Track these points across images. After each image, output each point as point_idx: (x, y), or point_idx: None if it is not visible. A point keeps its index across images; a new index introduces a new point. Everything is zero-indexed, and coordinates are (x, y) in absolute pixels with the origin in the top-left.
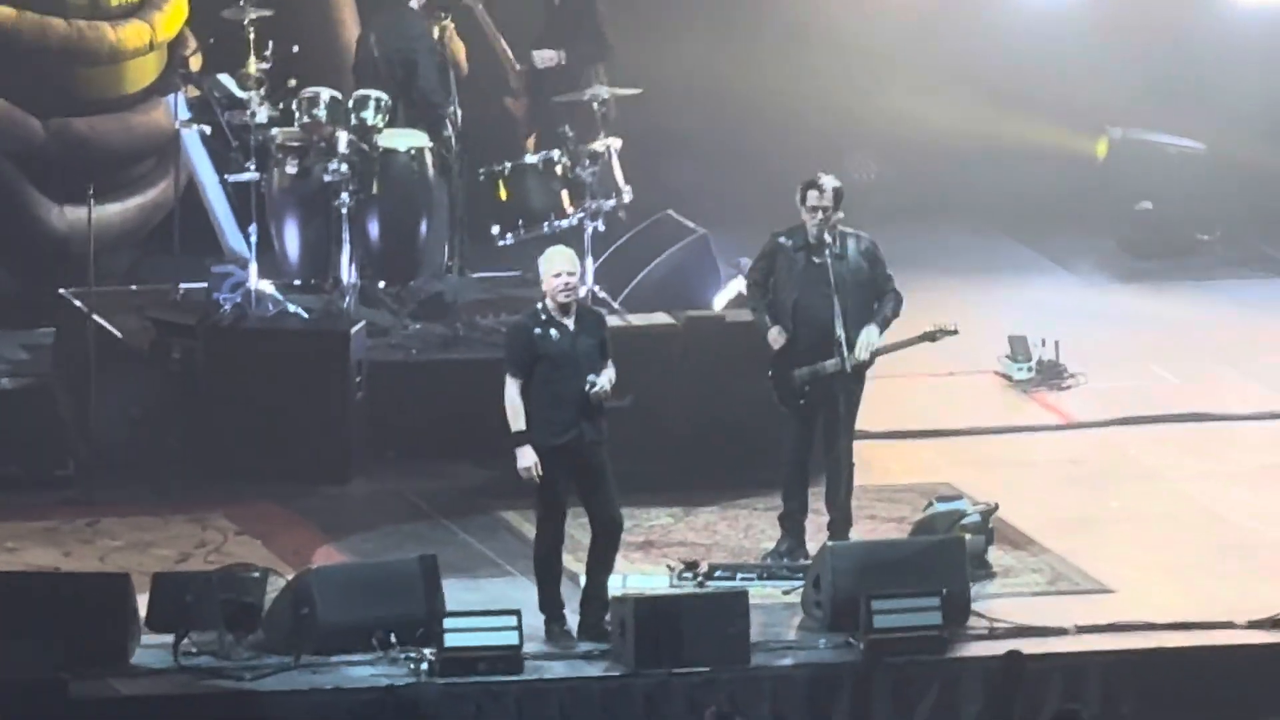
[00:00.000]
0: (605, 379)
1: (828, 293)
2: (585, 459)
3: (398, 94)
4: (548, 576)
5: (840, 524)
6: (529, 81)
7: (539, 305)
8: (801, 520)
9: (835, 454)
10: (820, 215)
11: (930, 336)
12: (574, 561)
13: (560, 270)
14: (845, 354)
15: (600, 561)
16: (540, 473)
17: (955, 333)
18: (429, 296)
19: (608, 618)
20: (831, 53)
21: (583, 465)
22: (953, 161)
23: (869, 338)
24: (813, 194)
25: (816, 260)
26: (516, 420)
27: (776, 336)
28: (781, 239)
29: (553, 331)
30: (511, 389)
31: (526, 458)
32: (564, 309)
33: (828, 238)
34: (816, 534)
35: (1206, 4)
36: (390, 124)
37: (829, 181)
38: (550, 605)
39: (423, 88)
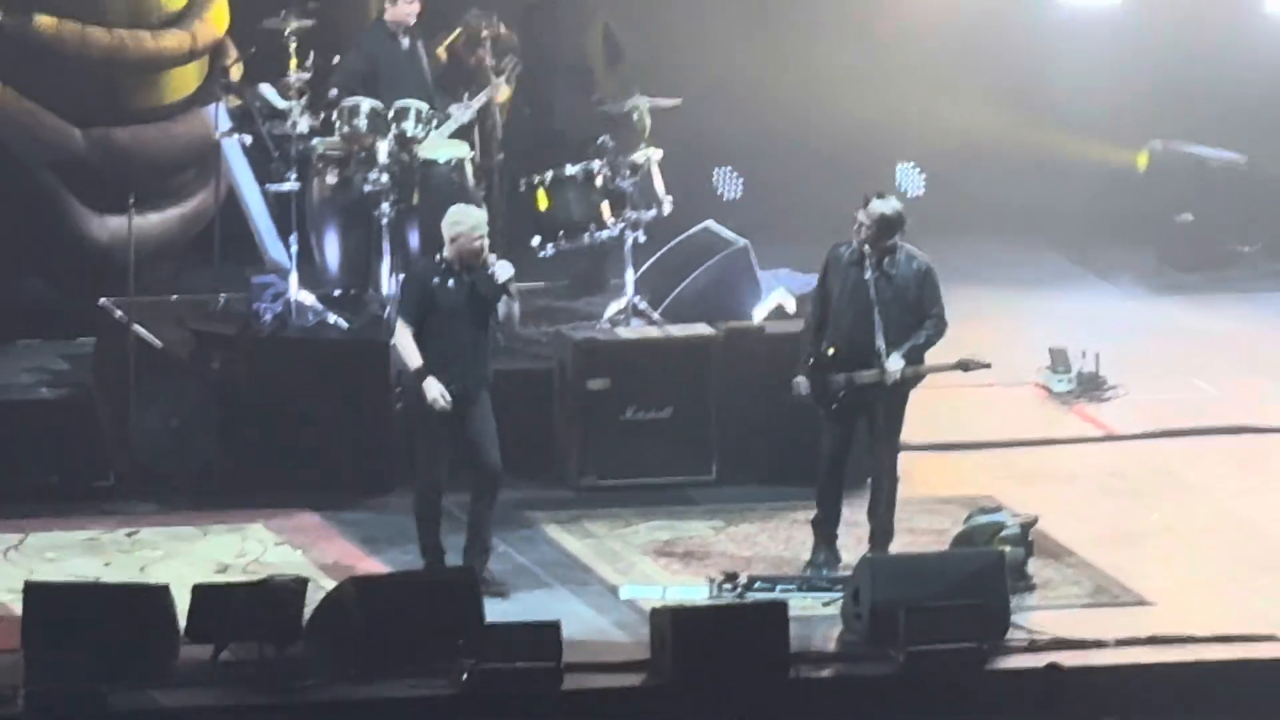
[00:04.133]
0: (505, 266)
1: (869, 309)
2: (470, 407)
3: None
4: (428, 519)
5: (881, 536)
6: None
7: (439, 257)
8: (834, 527)
9: (877, 467)
10: (858, 228)
11: (963, 366)
12: (614, 574)
13: (480, 233)
14: (883, 368)
15: (480, 513)
16: (448, 400)
17: (988, 366)
18: None
19: (491, 566)
20: (874, 65)
21: (468, 414)
22: (995, 173)
23: (894, 364)
24: (860, 212)
25: (863, 276)
26: (413, 359)
27: (800, 384)
28: (840, 249)
29: (450, 283)
30: (402, 333)
31: (433, 389)
32: (465, 264)
33: (868, 251)
34: (857, 546)
35: (1249, 16)
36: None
37: (876, 206)
38: (432, 550)
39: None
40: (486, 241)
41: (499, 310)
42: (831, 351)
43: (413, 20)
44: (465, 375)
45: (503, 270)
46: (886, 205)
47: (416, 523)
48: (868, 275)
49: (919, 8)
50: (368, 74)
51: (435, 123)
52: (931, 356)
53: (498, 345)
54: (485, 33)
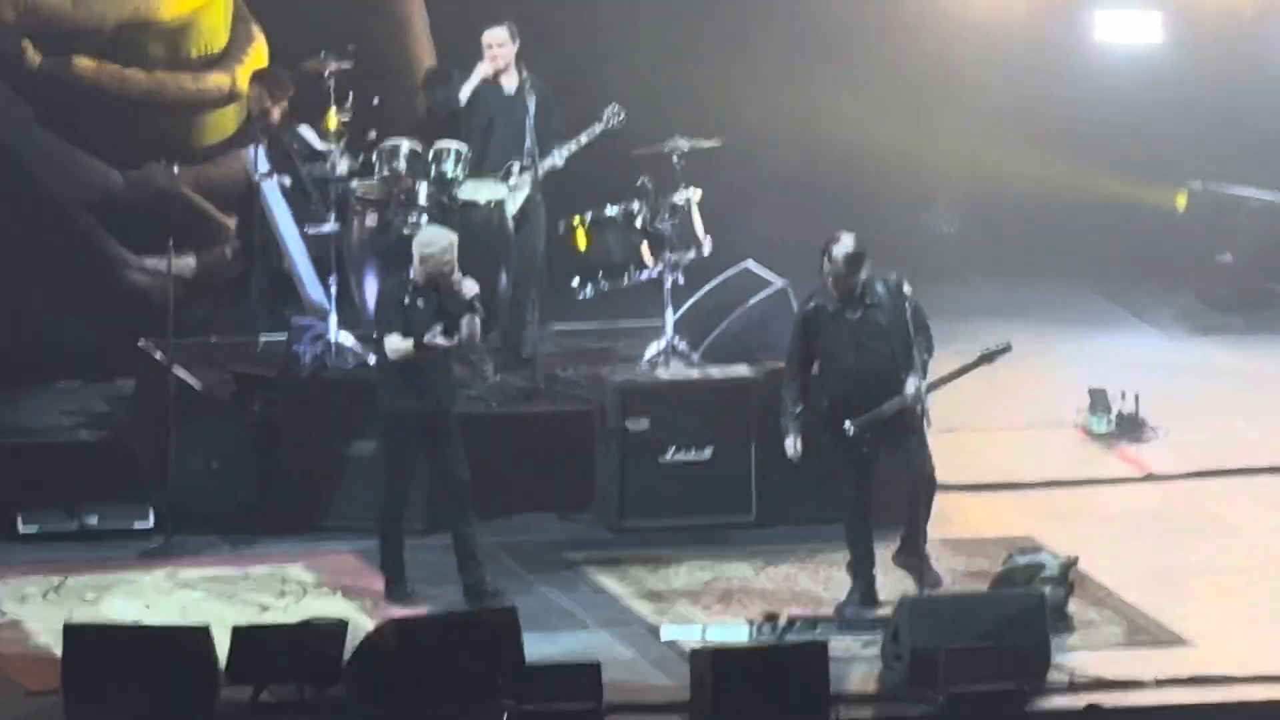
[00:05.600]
0: (470, 282)
1: (870, 344)
2: (437, 424)
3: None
4: (392, 537)
5: (915, 538)
6: None
7: (407, 277)
8: (869, 568)
9: (915, 480)
10: (831, 280)
11: (987, 358)
12: (654, 615)
13: (450, 255)
14: (907, 391)
15: (461, 529)
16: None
17: (1009, 349)
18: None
19: (488, 576)
20: (912, 105)
21: (435, 429)
22: (1033, 214)
23: (913, 385)
24: (824, 262)
25: (852, 316)
26: (407, 343)
27: (791, 448)
28: (812, 303)
29: (420, 302)
30: (394, 341)
31: (436, 338)
32: (434, 284)
33: (855, 294)
34: (895, 589)
35: None
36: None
37: (839, 249)
38: (393, 565)
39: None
40: (455, 263)
41: (461, 328)
42: (847, 426)
43: (500, 64)
44: (435, 392)
45: (468, 287)
46: (846, 244)
47: (380, 539)
48: (859, 313)
49: (957, 47)
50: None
51: (519, 170)
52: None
53: (536, 388)
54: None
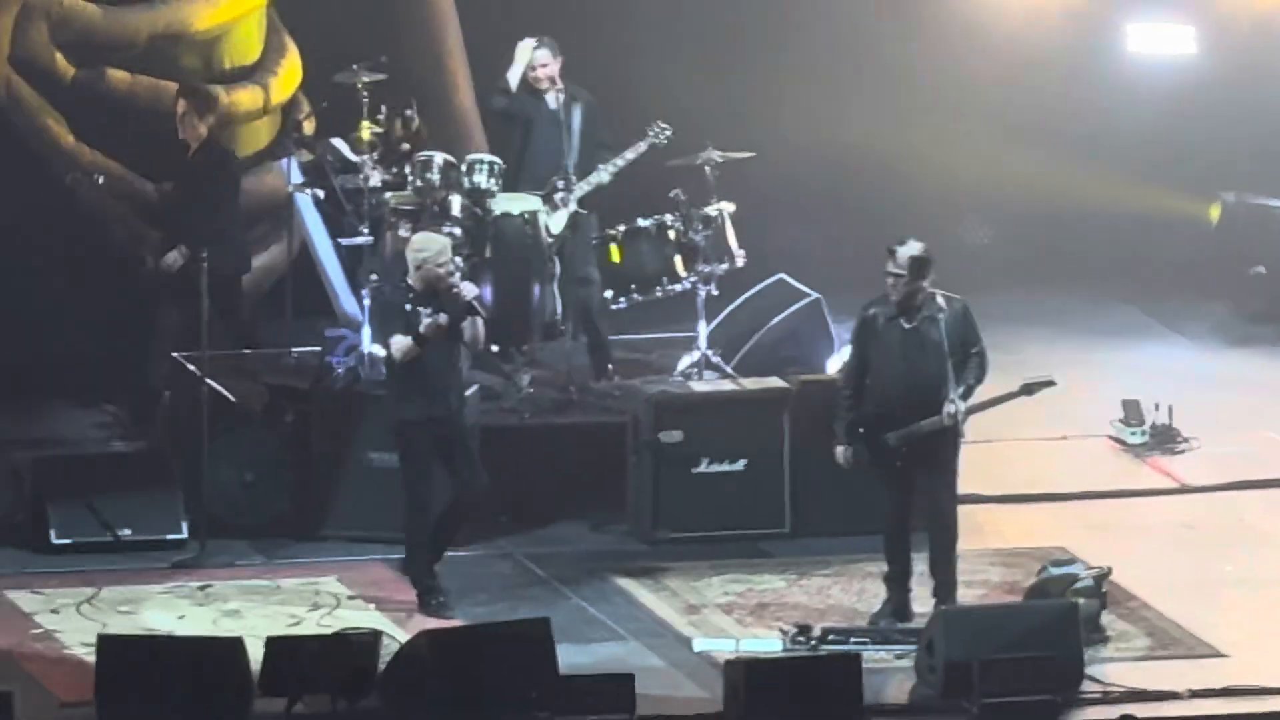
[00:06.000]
0: (469, 285)
1: (919, 356)
2: (449, 428)
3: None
4: (420, 547)
5: (945, 589)
6: None
7: (405, 284)
8: (905, 581)
9: (938, 519)
10: (893, 281)
11: (1027, 390)
12: (688, 626)
13: (444, 259)
14: (948, 412)
15: (453, 525)
16: (445, 319)
17: (1052, 383)
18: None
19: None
20: (947, 116)
21: (447, 434)
22: (1067, 225)
23: (954, 407)
24: (889, 261)
25: (905, 325)
26: (407, 340)
27: (842, 455)
28: (872, 311)
29: (421, 308)
30: (400, 342)
31: (425, 325)
32: (432, 290)
33: (914, 302)
34: (930, 598)
35: None
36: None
37: (905, 251)
38: (423, 577)
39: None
40: (450, 267)
41: (464, 331)
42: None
43: (545, 82)
44: (445, 397)
45: (467, 289)
46: (914, 248)
47: (409, 550)
48: (915, 323)
49: (991, 59)
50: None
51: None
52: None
53: (570, 399)
54: None
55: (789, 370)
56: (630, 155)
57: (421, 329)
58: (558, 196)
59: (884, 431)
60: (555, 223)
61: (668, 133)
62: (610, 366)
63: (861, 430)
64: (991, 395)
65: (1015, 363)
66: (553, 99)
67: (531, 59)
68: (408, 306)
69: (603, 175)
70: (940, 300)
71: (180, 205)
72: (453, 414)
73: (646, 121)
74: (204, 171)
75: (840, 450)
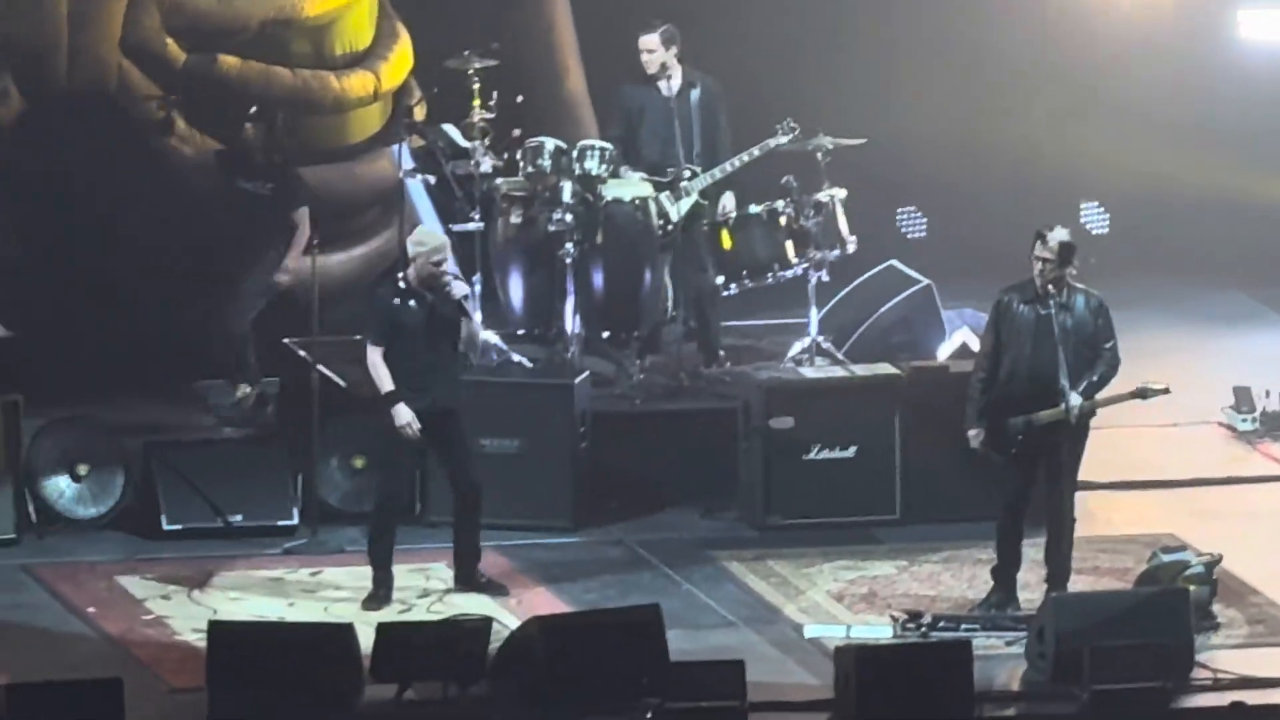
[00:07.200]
0: (460, 284)
1: (1050, 344)
2: (439, 424)
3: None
4: (382, 537)
5: (1060, 576)
6: None
7: (399, 276)
8: (1013, 572)
9: (1056, 506)
10: (1040, 265)
11: (1141, 394)
12: (798, 613)
13: (439, 256)
14: (1066, 405)
15: (465, 525)
16: (418, 427)
17: (1167, 391)
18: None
19: (481, 567)
20: (1062, 102)
21: (438, 430)
22: (1179, 212)
23: (1075, 401)
24: (1038, 245)
25: (1041, 311)
26: (384, 383)
27: (973, 438)
28: (1008, 295)
29: (412, 303)
30: (373, 354)
31: (403, 415)
32: (426, 285)
33: (1051, 289)
34: (1039, 585)
35: None
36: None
37: (1055, 236)
38: (381, 567)
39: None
40: (445, 265)
41: (461, 330)
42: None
43: (653, 68)
44: (434, 393)
45: (458, 289)
46: (1064, 233)
47: (370, 542)
48: (1049, 310)
49: (1104, 45)
50: (626, 122)
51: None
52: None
53: (680, 385)
54: None
55: (900, 356)
56: (757, 152)
57: (396, 417)
58: (682, 185)
59: (1006, 416)
60: (676, 211)
61: (797, 130)
62: (721, 354)
63: (992, 412)
64: (1107, 394)
65: (1126, 349)
66: (665, 86)
67: (640, 42)
68: (397, 301)
69: (727, 168)
70: (1078, 293)
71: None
72: (442, 408)
73: (759, 109)
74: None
75: (971, 434)
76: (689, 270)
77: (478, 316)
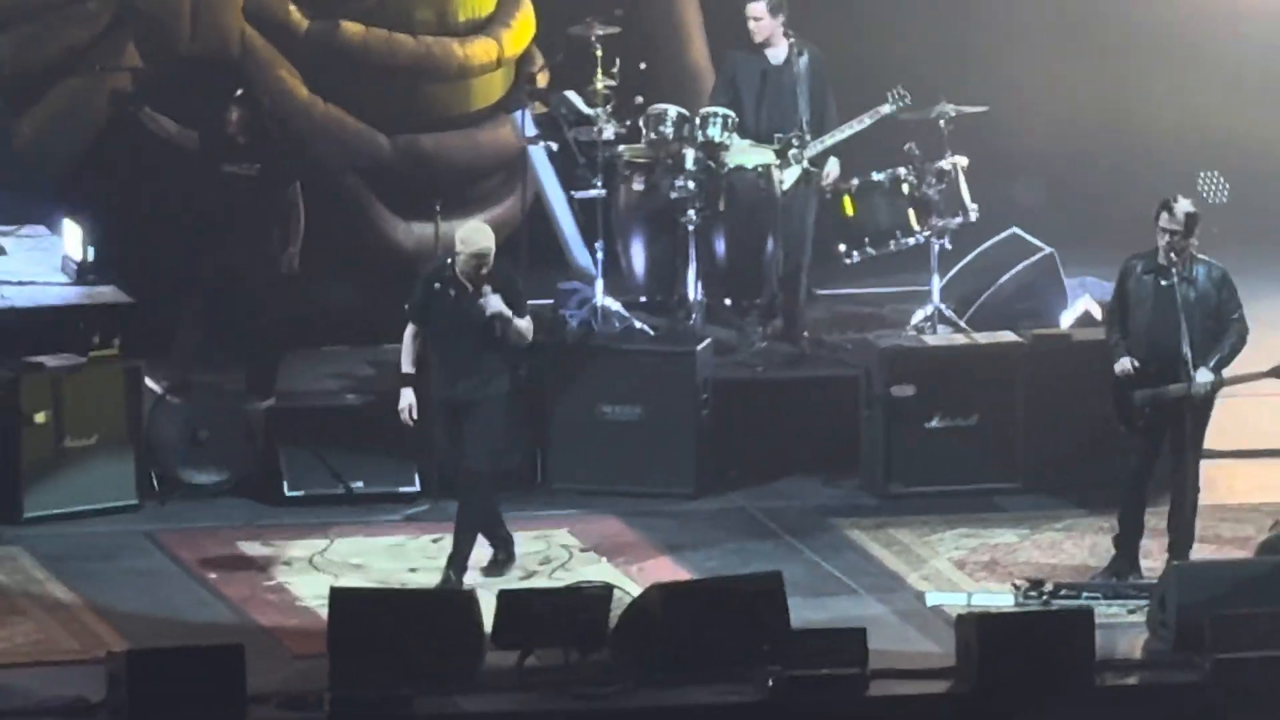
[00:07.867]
0: (494, 300)
1: (1174, 316)
2: (460, 414)
3: None
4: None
5: (1182, 545)
6: None
7: (448, 262)
8: (1136, 541)
9: (1180, 476)
10: (1168, 238)
11: (1277, 373)
12: (920, 580)
13: (476, 262)
14: (1191, 378)
15: (460, 510)
16: (415, 416)
17: None
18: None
19: (515, 550)
20: (1185, 72)
21: (457, 420)
22: None
23: (1203, 378)
24: (1164, 216)
25: (1164, 283)
26: (405, 361)
27: (1124, 367)
28: (1133, 261)
29: (451, 291)
30: (407, 331)
31: (405, 398)
32: (467, 278)
33: (1174, 259)
34: (1160, 554)
35: None
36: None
37: (1181, 206)
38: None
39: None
40: (484, 268)
41: (495, 327)
42: (1135, 365)
43: (760, 36)
44: (458, 381)
45: (493, 303)
46: (1189, 204)
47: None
48: (1171, 282)
49: (1220, 14)
50: (732, 91)
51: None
52: (1236, 366)
53: (803, 353)
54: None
55: (1022, 324)
56: (868, 120)
57: (401, 399)
58: (791, 153)
59: (1132, 389)
60: (786, 178)
61: (908, 99)
62: (806, 334)
63: (1112, 392)
64: (1240, 372)
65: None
66: (773, 54)
67: (747, 9)
68: (438, 285)
69: (838, 136)
70: (1201, 264)
71: None
72: (465, 400)
73: (880, 76)
74: None
75: (1121, 363)
76: (791, 238)
77: (527, 322)
